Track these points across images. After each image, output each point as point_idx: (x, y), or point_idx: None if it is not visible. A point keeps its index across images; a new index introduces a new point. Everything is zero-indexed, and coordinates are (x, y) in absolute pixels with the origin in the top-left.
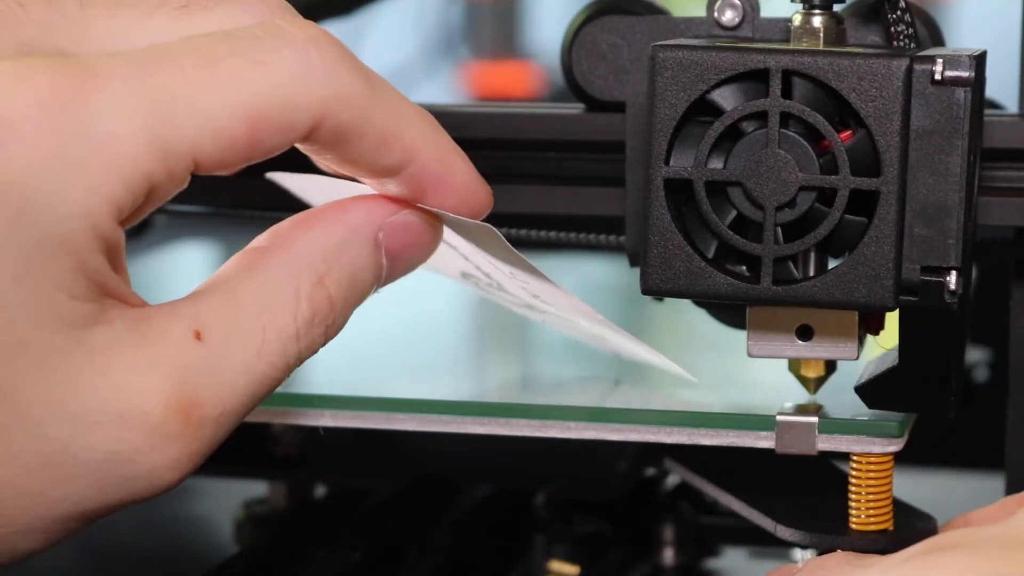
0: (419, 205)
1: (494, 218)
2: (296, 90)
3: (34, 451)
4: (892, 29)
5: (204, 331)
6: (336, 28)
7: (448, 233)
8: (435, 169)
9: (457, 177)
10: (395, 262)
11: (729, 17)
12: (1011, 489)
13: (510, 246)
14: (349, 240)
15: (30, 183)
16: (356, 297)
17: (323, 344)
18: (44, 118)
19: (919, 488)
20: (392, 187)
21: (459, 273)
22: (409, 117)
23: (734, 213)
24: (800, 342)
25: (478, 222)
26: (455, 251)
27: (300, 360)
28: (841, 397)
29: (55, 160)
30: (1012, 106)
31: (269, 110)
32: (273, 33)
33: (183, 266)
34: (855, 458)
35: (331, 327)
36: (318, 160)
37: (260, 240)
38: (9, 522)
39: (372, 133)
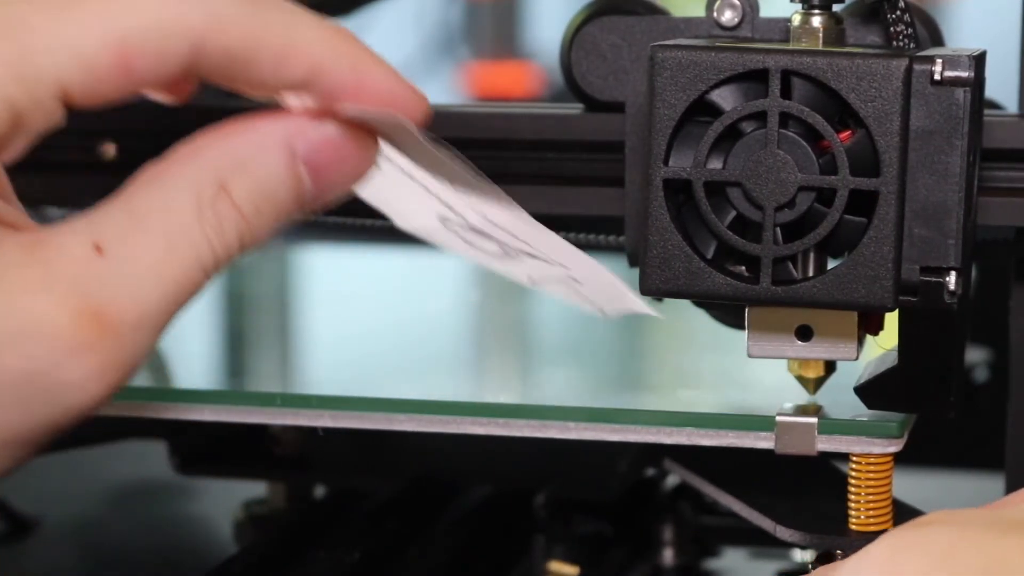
0: (345, 116)
1: None
2: (168, 16)
3: None
4: (891, 29)
5: (104, 244)
6: None
7: (405, 162)
8: (347, 79)
9: (374, 85)
10: (320, 177)
11: (728, 17)
12: (1011, 489)
13: (466, 167)
14: (257, 150)
15: None
16: (271, 209)
17: (242, 251)
18: None
19: (919, 488)
20: (309, 102)
21: (437, 219)
22: (307, 30)
23: (733, 213)
24: (800, 342)
25: (399, 124)
26: (421, 186)
27: (218, 266)
28: (841, 397)
29: None
30: (1012, 106)
31: (139, 38)
32: None
33: None
34: (855, 459)
35: (246, 235)
36: (237, 89)
37: (163, 156)
38: None
39: (265, 53)
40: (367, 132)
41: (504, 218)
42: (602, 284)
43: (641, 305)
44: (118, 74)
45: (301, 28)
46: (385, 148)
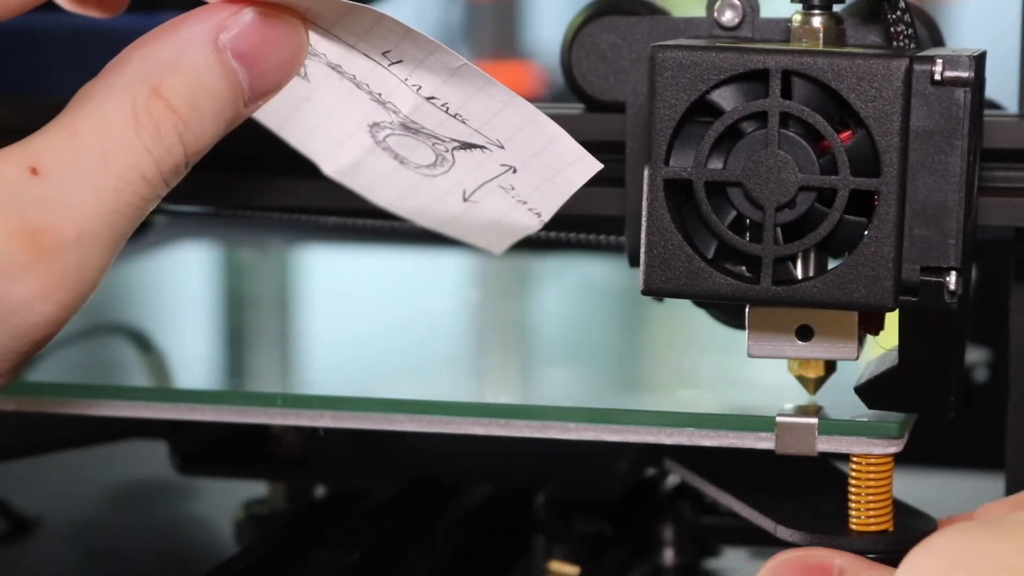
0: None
1: None
2: None
3: None
4: (892, 29)
5: (40, 165)
6: None
7: (333, 48)
8: None
9: None
10: (252, 65)
11: (729, 17)
12: (1011, 489)
13: (400, 24)
14: (182, 48)
15: None
16: (208, 105)
17: (189, 155)
18: None
19: (919, 488)
20: None
21: (368, 134)
22: None
23: (734, 213)
24: (800, 342)
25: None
26: (350, 84)
27: (163, 172)
28: (841, 398)
29: None
30: (1012, 106)
31: None
32: None
33: (183, 266)
34: (855, 459)
35: (187, 136)
36: None
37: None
38: None
39: None
40: (290, 12)
41: (437, 81)
42: (541, 162)
43: (590, 165)
44: None
45: None
46: (313, 39)
